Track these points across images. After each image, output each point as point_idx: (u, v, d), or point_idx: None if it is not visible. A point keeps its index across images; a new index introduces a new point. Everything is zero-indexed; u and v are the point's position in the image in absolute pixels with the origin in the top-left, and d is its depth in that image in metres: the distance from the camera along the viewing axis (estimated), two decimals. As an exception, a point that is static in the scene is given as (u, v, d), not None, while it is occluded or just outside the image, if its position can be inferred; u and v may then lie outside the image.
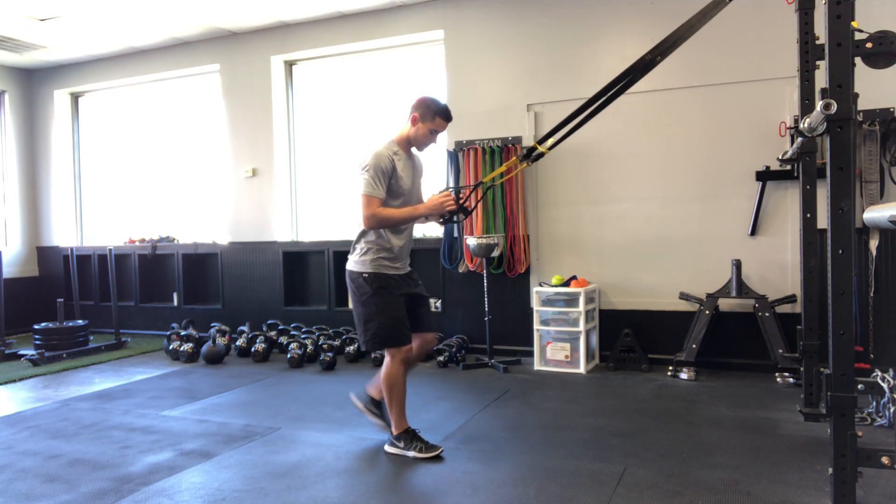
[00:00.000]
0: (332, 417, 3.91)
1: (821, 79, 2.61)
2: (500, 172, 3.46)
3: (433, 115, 3.18)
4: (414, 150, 3.33)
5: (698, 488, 2.76)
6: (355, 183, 3.16)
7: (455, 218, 3.21)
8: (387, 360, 3.23)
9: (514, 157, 3.24)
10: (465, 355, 5.56)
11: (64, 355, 6.01)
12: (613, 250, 5.30)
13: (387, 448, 3.32)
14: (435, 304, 5.98)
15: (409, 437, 3.25)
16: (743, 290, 4.71)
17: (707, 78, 4.97)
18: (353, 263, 3.25)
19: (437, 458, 3.19)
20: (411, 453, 3.21)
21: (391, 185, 3.17)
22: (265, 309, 6.67)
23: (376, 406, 3.47)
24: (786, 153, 3.85)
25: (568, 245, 5.45)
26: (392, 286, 3.22)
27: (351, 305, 3.35)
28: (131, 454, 3.40)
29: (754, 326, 4.69)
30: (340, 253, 6.35)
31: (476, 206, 3.81)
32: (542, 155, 3.20)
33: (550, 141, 3.17)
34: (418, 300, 3.37)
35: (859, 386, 2.48)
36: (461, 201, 3.18)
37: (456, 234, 5.70)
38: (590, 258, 5.37)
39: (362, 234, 3.23)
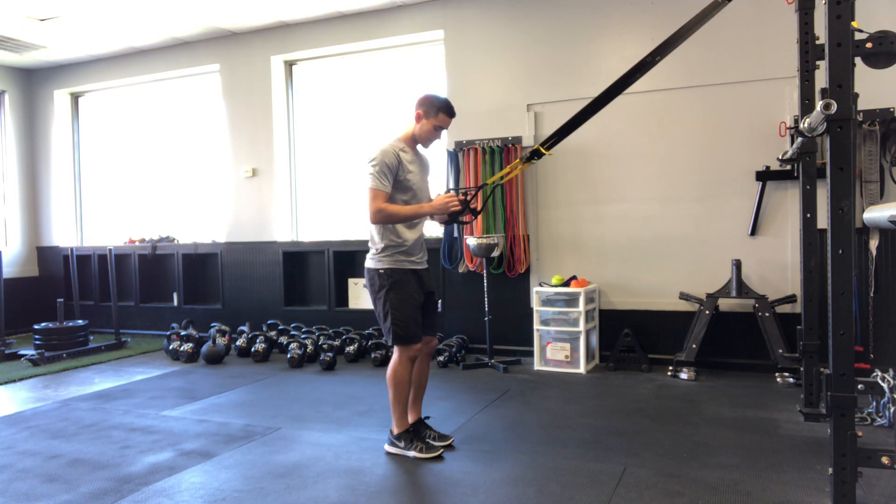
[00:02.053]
0: (332, 417, 3.91)
1: (821, 79, 2.61)
2: (503, 174, 3.50)
3: (437, 111, 3.21)
4: (420, 147, 3.35)
5: (698, 488, 2.76)
6: (363, 179, 3.18)
7: (460, 218, 3.24)
8: (394, 357, 3.23)
9: (517, 160, 3.30)
10: (465, 355, 5.56)
11: (64, 355, 6.01)
12: (613, 250, 5.29)
13: (387, 448, 3.32)
14: (435, 304, 5.98)
15: (410, 436, 3.25)
16: (743, 290, 4.70)
17: (707, 78, 4.97)
18: (371, 260, 3.26)
19: (438, 459, 3.20)
20: (412, 453, 3.22)
21: (399, 179, 3.18)
22: (265, 309, 6.67)
23: (416, 426, 3.37)
24: (786, 153, 3.86)
25: (568, 245, 5.45)
26: (407, 282, 3.22)
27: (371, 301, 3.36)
28: (131, 454, 3.40)
29: (754, 326, 4.69)
30: (340, 253, 6.36)
31: (482, 208, 3.85)
32: (542, 155, 3.25)
33: (549, 143, 3.25)
34: (428, 300, 3.37)
35: (859, 386, 2.48)
36: (467, 202, 3.21)
37: (456, 235, 5.70)
38: (590, 258, 5.37)
39: (377, 231, 3.23)
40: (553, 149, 3.27)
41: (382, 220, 3.14)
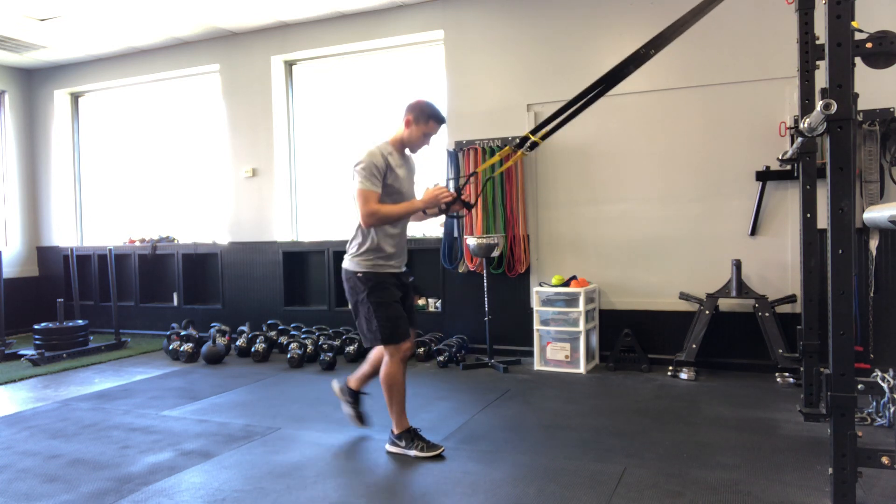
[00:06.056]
0: (332, 417, 3.91)
1: (821, 79, 2.61)
2: (497, 162, 3.48)
3: (427, 118, 3.22)
4: (408, 151, 3.36)
5: (698, 488, 2.76)
6: (351, 183, 3.18)
7: (453, 212, 3.23)
8: (385, 359, 3.24)
9: (507, 147, 3.28)
10: (465, 355, 5.56)
11: (64, 355, 6.01)
12: (613, 250, 5.29)
13: (388, 447, 3.32)
14: (435, 303, 5.98)
15: (411, 436, 3.26)
16: (743, 290, 4.70)
17: (707, 78, 4.97)
18: (348, 262, 3.28)
19: (439, 458, 3.20)
20: (412, 452, 3.22)
21: (387, 183, 3.19)
22: (265, 309, 6.67)
23: (352, 396, 3.60)
24: (786, 153, 3.86)
25: (568, 245, 5.45)
26: (387, 284, 3.24)
27: (349, 304, 3.37)
28: (131, 454, 3.40)
29: (754, 326, 4.69)
30: (340, 253, 6.30)
31: (478, 200, 3.85)
32: (535, 144, 3.25)
33: (542, 132, 3.23)
34: (406, 299, 3.40)
35: (859, 386, 2.49)
36: (459, 193, 3.20)
37: (456, 234, 5.70)
38: (590, 258, 5.37)
39: (357, 234, 3.26)
40: (547, 140, 3.24)
41: (376, 221, 3.14)
